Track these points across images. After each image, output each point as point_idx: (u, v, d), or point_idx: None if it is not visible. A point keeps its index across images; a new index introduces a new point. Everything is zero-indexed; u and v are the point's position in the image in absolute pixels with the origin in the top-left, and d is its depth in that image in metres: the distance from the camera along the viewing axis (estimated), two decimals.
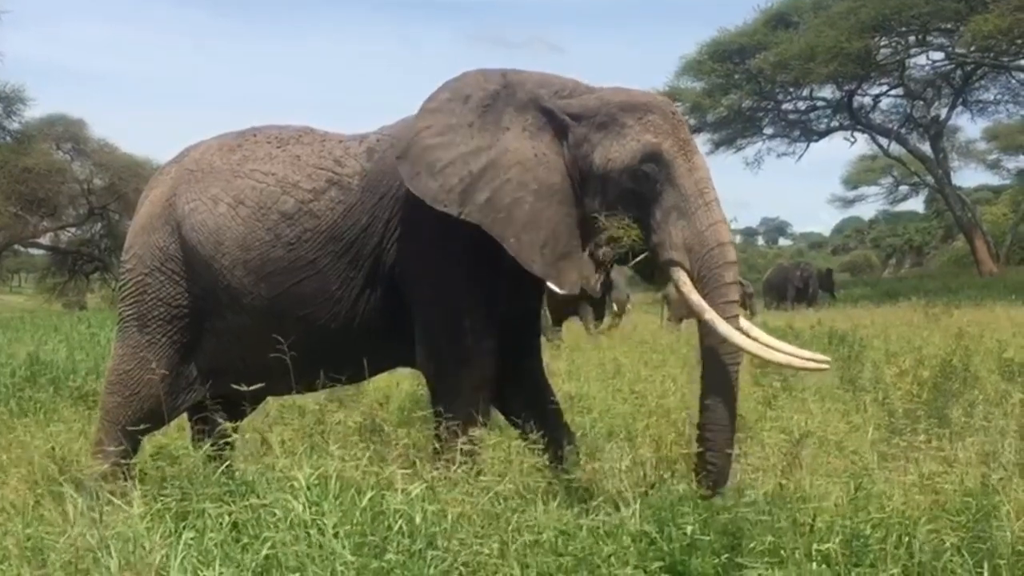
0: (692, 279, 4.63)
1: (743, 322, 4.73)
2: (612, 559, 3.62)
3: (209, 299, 5.20)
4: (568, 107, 4.90)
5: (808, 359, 4.73)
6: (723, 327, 4.52)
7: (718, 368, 4.62)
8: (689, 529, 3.74)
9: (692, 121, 37.85)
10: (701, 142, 39.28)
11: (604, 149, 4.78)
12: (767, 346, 4.68)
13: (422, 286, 4.96)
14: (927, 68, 38.58)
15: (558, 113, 4.89)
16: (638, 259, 4.78)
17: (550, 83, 5.02)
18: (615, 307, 16.46)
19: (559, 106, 4.91)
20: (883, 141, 41.56)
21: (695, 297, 4.59)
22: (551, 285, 4.92)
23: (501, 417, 5.40)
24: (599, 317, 15.87)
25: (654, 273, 4.95)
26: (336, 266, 5.01)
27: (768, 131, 41.80)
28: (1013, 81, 38.49)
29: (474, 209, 4.77)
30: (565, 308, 15.23)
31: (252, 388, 4.83)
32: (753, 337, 4.67)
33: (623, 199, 4.73)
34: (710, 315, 4.54)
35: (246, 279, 5.07)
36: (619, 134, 4.78)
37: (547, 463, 4.60)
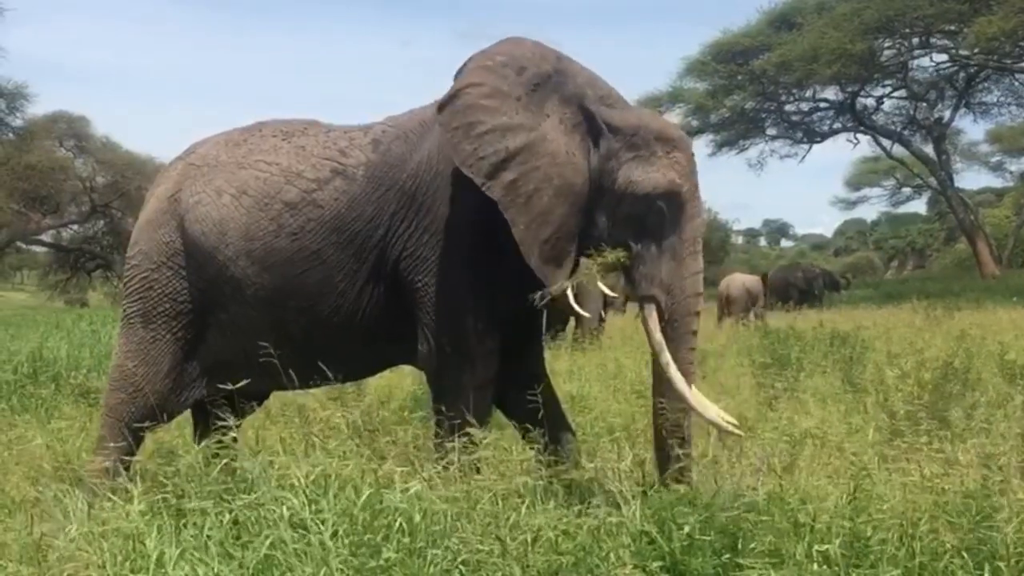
0: (661, 317, 4.80)
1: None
2: (612, 558, 3.62)
3: (213, 292, 5.18)
4: (609, 117, 4.92)
5: (728, 423, 4.81)
6: (674, 373, 4.72)
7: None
8: (689, 529, 3.74)
9: (695, 122, 37.85)
10: (704, 143, 39.31)
11: (629, 170, 4.84)
12: (698, 401, 4.82)
13: (426, 283, 4.96)
14: (930, 70, 38.64)
15: (598, 119, 4.91)
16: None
17: (598, 86, 5.05)
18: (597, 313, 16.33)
19: (601, 113, 4.92)
20: (886, 143, 41.57)
21: (658, 336, 4.79)
22: (541, 278, 4.95)
23: (502, 416, 5.40)
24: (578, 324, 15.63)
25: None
26: (339, 258, 5.00)
27: (771, 132, 41.78)
28: (1016, 83, 38.46)
29: (497, 186, 4.78)
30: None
31: (239, 386, 4.86)
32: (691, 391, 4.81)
33: (628, 221, 4.82)
34: (666, 358, 4.75)
35: (249, 270, 5.07)
36: (647, 161, 4.84)
37: (547, 462, 4.60)
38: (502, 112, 4.84)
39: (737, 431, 4.87)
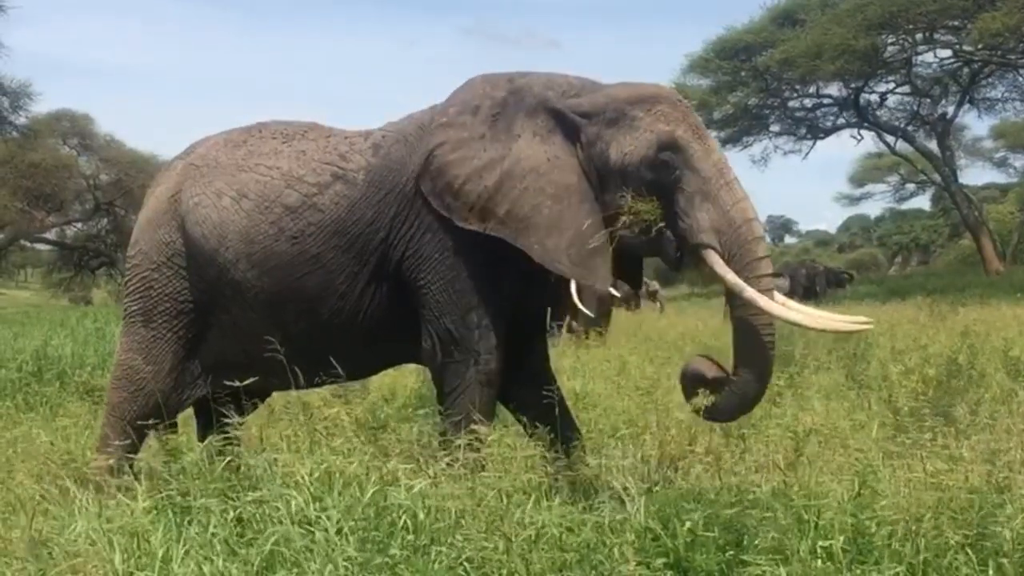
0: (724, 259, 4.66)
1: (779, 296, 4.79)
2: (616, 555, 3.62)
3: (214, 293, 5.20)
4: (578, 106, 4.91)
5: (849, 322, 4.92)
6: (763, 301, 4.58)
7: (755, 340, 4.66)
8: (692, 525, 3.74)
9: (700, 118, 37.63)
10: None
11: (619, 144, 4.80)
12: (806, 315, 4.80)
13: (429, 282, 4.96)
14: (934, 66, 38.44)
15: (568, 113, 4.90)
16: (656, 247, 4.80)
17: (557, 84, 5.03)
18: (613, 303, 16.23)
19: (568, 106, 4.91)
20: (890, 139, 41.43)
21: (731, 276, 4.62)
22: (585, 284, 4.93)
23: (506, 413, 5.40)
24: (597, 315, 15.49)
25: (682, 260, 4.89)
26: (340, 261, 5.01)
27: (774, 129, 41.67)
28: (1021, 79, 38.35)
29: (496, 223, 4.81)
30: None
31: (246, 382, 4.87)
32: (792, 308, 4.76)
33: (644, 191, 4.74)
34: (750, 293, 4.58)
35: (249, 273, 5.08)
36: (631, 127, 4.80)
37: (552, 459, 4.60)
38: (470, 158, 4.88)
39: (866, 325, 4.93)
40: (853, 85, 38.51)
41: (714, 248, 4.66)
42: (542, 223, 4.79)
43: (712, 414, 4.79)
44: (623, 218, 4.74)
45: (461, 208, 4.83)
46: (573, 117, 4.89)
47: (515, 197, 4.82)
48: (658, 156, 4.73)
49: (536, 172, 4.84)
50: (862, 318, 4.98)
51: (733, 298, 4.69)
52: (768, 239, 4.79)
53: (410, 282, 5.00)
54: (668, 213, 4.72)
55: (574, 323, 14.63)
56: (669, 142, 4.74)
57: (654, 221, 4.72)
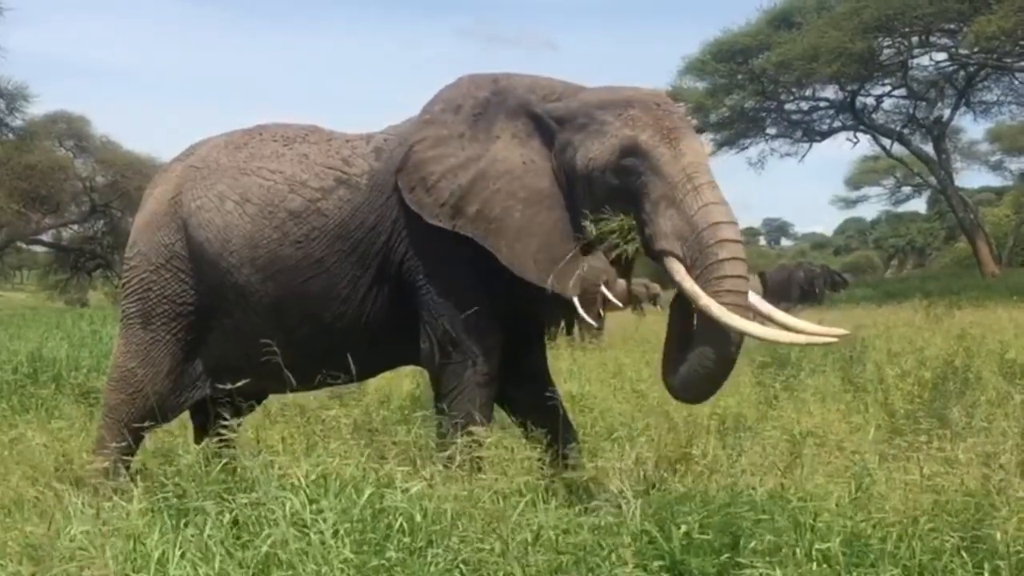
0: (687, 266, 4.50)
1: (754, 299, 4.60)
2: (612, 557, 3.62)
3: (215, 297, 5.20)
4: (554, 111, 4.91)
5: (821, 333, 4.67)
6: (717, 310, 4.35)
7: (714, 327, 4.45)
8: (688, 528, 3.74)
9: (695, 122, 37.67)
10: (704, 142, 39.08)
11: (585, 150, 4.76)
12: (772, 322, 4.63)
13: (428, 284, 4.97)
14: (930, 69, 38.49)
15: (546, 118, 4.90)
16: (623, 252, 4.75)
17: (540, 87, 5.03)
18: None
19: (546, 110, 4.91)
20: (886, 142, 41.47)
21: (688, 284, 4.45)
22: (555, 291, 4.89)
23: (503, 415, 5.40)
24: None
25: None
26: (343, 265, 5.02)
27: (771, 131, 41.66)
28: (1016, 82, 38.39)
29: (466, 222, 4.80)
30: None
31: (239, 384, 4.88)
32: (763, 315, 4.58)
33: (611, 197, 4.68)
34: (705, 301, 4.38)
35: (253, 277, 5.08)
36: (599, 132, 4.75)
37: (549, 461, 4.60)
38: (448, 155, 4.88)
39: (832, 338, 4.70)
40: (849, 88, 38.53)
41: (675, 255, 4.52)
42: (512, 226, 4.79)
43: (672, 389, 4.71)
44: (591, 237, 4.69)
45: (432, 204, 4.83)
46: (549, 122, 4.89)
47: (486, 198, 4.82)
48: (620, 162, 4.65)
49: (510, 175, 4.84)
50: (836, 329, 4.77)
51: (697, 310, 4.48)
52: (744, 241, 4.56)
53: (410, 284, 5.00)
54: (636, 220, 4.64)
55: (575, 327, 14.61)
56: (631, 147, 4.64)
57: (626, 235, 4.65)
